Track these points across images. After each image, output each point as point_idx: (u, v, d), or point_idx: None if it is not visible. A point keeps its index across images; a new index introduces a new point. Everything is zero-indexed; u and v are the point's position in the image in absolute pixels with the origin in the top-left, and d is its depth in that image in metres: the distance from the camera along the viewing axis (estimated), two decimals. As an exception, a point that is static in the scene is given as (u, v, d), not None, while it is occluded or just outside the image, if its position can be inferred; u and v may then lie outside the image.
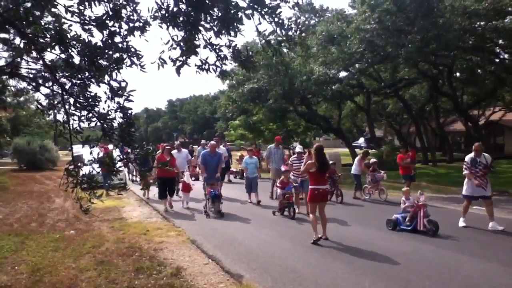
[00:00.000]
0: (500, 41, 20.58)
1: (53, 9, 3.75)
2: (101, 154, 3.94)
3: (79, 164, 3.96)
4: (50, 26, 3.64)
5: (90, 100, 3.63)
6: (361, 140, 50.56)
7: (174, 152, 14.75)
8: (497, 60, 22.42)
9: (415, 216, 8.88)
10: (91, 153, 3.72)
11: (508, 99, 29.85)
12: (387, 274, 6.32)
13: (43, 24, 3.62)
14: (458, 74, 26.28)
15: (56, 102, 4.09)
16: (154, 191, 13.44)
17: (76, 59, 3.70)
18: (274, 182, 13.91)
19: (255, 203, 13.41)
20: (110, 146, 4.25)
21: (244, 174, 14.28)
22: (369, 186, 14.30)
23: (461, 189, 9.78)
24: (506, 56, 22.52)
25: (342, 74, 25.27)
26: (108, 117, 3.69)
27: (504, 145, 36.20)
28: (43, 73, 4.24)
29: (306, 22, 31.03)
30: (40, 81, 4.16)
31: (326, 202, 8.81)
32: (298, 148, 12.65)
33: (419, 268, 6.56)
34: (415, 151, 16.04)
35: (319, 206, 8.54)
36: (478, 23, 18.61)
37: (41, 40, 3.58)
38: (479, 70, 24.04)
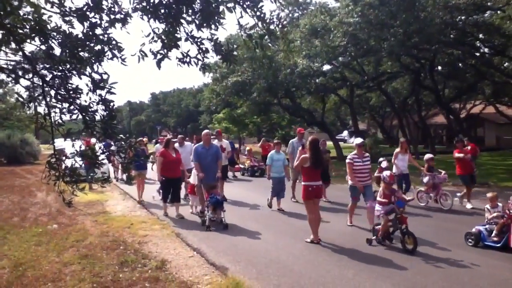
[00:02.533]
0: (480, 35, 20.92)
1: None
2: (83, 147, 3.92)
3: (61, 157, 3.93)
4: (29, 17, 3.59)
5: (72, 92, 3.59)
6: (345, 133, 50.91)
7: (176, 146, 12.39)
8: (477, 54, 22.78)
9: (506, 229, 7.04)
10: (73, 146, 3.70)
11: (488, 92, 30.38)
12: (370, 266, 6.44)
13: (21, 14, 3.56)
14: (439, 67, 26.67)
15: (36, 95, 4.04)
16: (150, 193, 12.79)
17: (57, 51, 3.66)
18: (295, 183, 12.10)
19: (276, 209, 10.94)
20: (93, 140, 4.22)
21: (268, 173, 11.46)
22: (426, 190, 11.16)
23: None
24: (486, 50, 22.91)
25: (326, 67, 25.44)
26: (90, 110, 3.66)
27: (485, 137, 36.85)
28: (23, 65, 4.18)
29: (290, 15, 31.04)
30: (20, 73, 4.10)
31: (320, 200, 8.41)
32: (358, 140, 9.30)
33: (402, 260, 6.69)
34: (474, 145, 13.27)
35: (314, 203, 8.01)
36: (459, 17, 18.86)
37: (20, 31, 3.53)
38: (460, 64, 24.43)
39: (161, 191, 11.38)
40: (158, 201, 11.91)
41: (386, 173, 7.72)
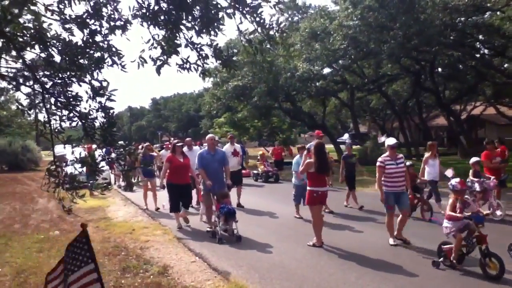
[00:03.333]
0: (480, 37, 20.92)
1: (32, 7, 3.71)
2: (84, 154, 3.93)
3: (62, 164, 3.94)
4: (30, 25, 3.61)
5: (71, 99, 3.60)
6: (346, 136, 50.79)
7: (184, 150, 11.34)
8: (477, 55, 22.78)
9: None
10: (72, 152, 3.71)
11: (489, 93, 30.35)
12: (374, 269, 6.42)
13: (22, 22, 3.58)
14: (440, 69, 26.66)
15: (37, 102, 4.05)
16: (160, 202, 12.17)
17: (57, 58, 3.67)
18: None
19: (298, 217, 10.37)
20: (94, 146, 4.23)
21: (294, 180, 10.47)
22: (477, 198, 9.49)
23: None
24: (486, 51, 22.91)
25: (326, 70, 25.46)
26: (89, 117, 3.66)
27: (485, 138, 36.78)
28: (23, 72, 4.20)
29: (290, 19, 31.09)
30: (21, 80, 4.11)
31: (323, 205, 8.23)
32: (391, 140, 8.07)
33: (406, 263, 6.67)
34: (505, 147, 11.97)
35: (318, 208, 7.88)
36: (458, 18, 18.88)
37: (20, 39, 3.55)
38: (460, 66, 24.42)
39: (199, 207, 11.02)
40: (167, 210, 11.12)
41: (455, 180, 6.43)
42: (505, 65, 24.56)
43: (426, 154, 10.56)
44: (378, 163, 7.82)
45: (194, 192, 11.01)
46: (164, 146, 19.76)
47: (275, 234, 8.86)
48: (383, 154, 7.98)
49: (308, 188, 7.78)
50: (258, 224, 9.90)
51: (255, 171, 19.80)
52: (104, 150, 4.00)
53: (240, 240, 8.19)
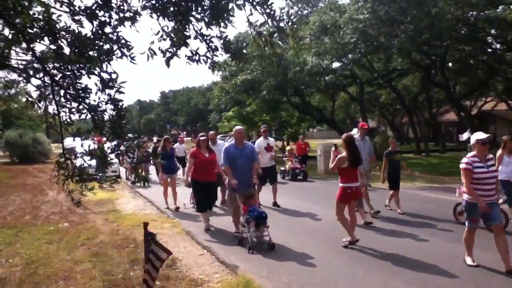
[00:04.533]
0: (492, 31, 20.67)
1: (42, -1, 3.70)
2: (94, 146, 3.94)
3: (71, 156, 3.96)
4: (39, 17, 3.60)
5: (81, 91, 3.60)
6: (355, 131, 50.51)
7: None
8: (489, 50, 22.51)
9: None
10: (82, 145, 3.71)
11: (500, 89, 30.02)
12: (382, 264, 6.39)
13: (31, 14, 3.57)
14: (450, 64, 26.41)
15: (47, 94, 4.06)
16: (180, 200, 11.38)
17: (66, 50, 3.67)
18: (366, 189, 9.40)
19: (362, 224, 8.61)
20: (104, 138, 4.23)
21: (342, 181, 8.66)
22: None
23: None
24: (498, 46, 22.63)
25: (335, 64, 25.34)
26: (98, 109, 3.66)
27: (496, 134, 36.45)
28: (33, 64, 4.20)
29: (299, 13, 30.93)
30: (31, 72, 4.12)
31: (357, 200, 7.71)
32: (480, 134, 6.11)
33: (414, 258, 6.62)
34: None
35: (349, 206, 7.49)
36: (470, 12, 18.65)
37: (30, 31, 3.55)
38: (471, 60, 24.16)
39: (193, 199, 10.79)
40: (189, 209, 11.02)
41: None
42: (518, 60, 24.24)
43: (499, 151, 8.69)
44: (464, 165, 6.00)
45: (219, 190, 10.18)
46: (179, 139, 19.18)
47: (282, 227, 8.78)
48: (470, 153, 6.21)
49: (341, 184, 7.38)
50: (289, 226, 9.15)
51: (282, 168, 17.84)
52: (114, 142, 4.00)
53: (273, 249, 7.16)
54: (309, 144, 22.68)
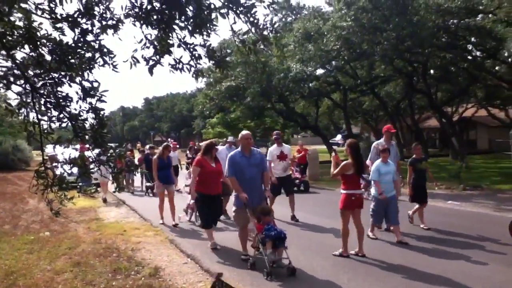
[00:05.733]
0: (473, 39, 21.05)
1: (23, 5, 3.65)
2: (77, 154, 3.89)
3: (53, 164, 3.90)
4: (20, 24, 3.55)
5: (61, 100, 3.55)
6: (339, 137, 50.97)
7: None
8: (469, 57, 22.93)
9: None
10: (62, 154, 3.66)
11: (481, 95, 30.57)
12: (367, 270, 6.42)
13: (12, 21, 3.52)
14: (432, 71, 26.80)
15: (28, 101, 4.00)
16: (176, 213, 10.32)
17: (47, 58, 3.62)
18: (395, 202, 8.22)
19: (397, 243, 7.77)
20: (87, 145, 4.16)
21: (373, 191, 8.29)
22: None
23: (436, 184, 8.95)
24: (478, 53, 23.07)
25: (319, 71, 25.51)
26: (79, 118, 3.61)
27: (477, 140, 37.07)
28: (14, 71, 4.13)
29: (283, 20, 31.11)
30: (11, 79, 4.05)
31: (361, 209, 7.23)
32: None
33: (399, 264, 6.66)
34: None
35: (354, 215, 7.11)
36: (451, 21, 18.98)
37: (10, 38, 3.49)
38: (452, 68, 24.56)
39: (189, 211, 10.18)
40: (185, 223, 10.17)
41: None
42: (497, 68, 24.73)
43: None
44: None
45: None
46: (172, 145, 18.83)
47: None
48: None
49: (343, 191, 7.08)
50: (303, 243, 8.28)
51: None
52: (95, 151, 3.95)
53: (294, 274, 6.19)
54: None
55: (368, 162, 8.69)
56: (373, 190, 8.31)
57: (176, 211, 10.30)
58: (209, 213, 7.96)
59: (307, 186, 15.46)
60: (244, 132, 7.42)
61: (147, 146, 19.26)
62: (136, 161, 16.74)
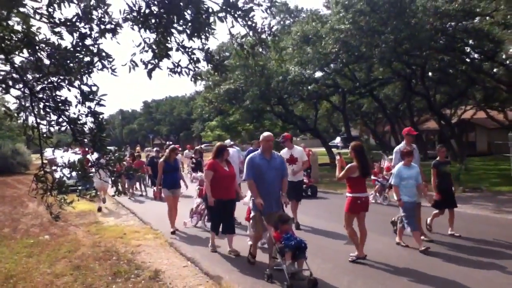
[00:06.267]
0: (470, 41, 21.10)
1: (21, 9, 3.67)
2: (78, 157, 3.90)
3: (53, 167, 3.91)
4: (18, 28, 3.56)
5: (60, 104, 3.56)
6: (338, 140, 51.05)
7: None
8: (467, 60, 22.97)
9: None
10: (61, 157, 3.67)
11: (479, 97, 30.62)
12: (369, 273, 6.42)
13: (10, 25, 3.53)
14: (430, 73, 26.84)
15: (27, 105, 4.01)
16: (180, 219, 9.94)
17: (46, 62, 3.63)
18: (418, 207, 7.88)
19: (421, 249, 7.26)
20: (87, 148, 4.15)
21: (398, 198, 7.64)
22: None
23: (456, 190, 8.23)
24: (476, 56, 23.11)
25: (318, 74, 25.52)
26: (78, 122, 3.62)
27: (476, 142, 37.09)
28: (12, 75, 4.15)
29: (281, 23, 31.18)
30: (10, 83, 4.07)
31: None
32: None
33: (398, 267, 6.67)
34: None
35: (358, 217, 6.99)
36: (448, 23, 19.03)
37: (8, 43, 3.50)
38: (450, 70, 24.61)
39: (196, 217, 9.91)
40: (189, 228, 9.83)
41: None
42: (495, 70, 24.79)
43: None
44: None
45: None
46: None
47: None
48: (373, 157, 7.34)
49: (349, 195, 6.95)
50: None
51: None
52: (94, 155, 3.97)
53: (316, 287, 5.79)
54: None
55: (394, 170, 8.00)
56: (403, 195, 7.66)
57: (179, 216, 9.95)
58: (220, 219, 7.63)
59: (315, 191, 14.70)
60: (266, 133, 7.02)
61: (154, 149, 19.18)
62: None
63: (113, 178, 3.84)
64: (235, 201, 7.94)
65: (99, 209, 12.95)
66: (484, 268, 6.38)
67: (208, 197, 7.63)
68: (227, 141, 11.55)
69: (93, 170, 3.81)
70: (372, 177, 13.05)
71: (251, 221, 6.93)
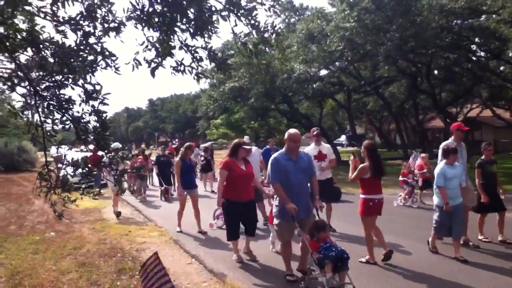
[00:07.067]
0: (476, 39, 21.00)
1: (26, 7, 3.69)
2: (86, 155, 3.93)
3: (58, 165, 3.94)
4: (22, 27, 3.60)
5: (64, 102, 3.60)
6: (343, 138, 50.99)
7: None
8: (473, 58, 22.86)
9: None
10: (65, 156, 3.71)
11: (485, 96, 30.46)
12: (365, 273, 6.42)
13: (15, 24, 3.57)
14: (436, 71, 26.72)
15: (32, 103, 4.05)
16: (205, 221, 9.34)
17: (50, 61, 3.66)
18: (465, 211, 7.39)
19: (459, 258, 6.72)
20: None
21: (436, 200, 7.09)
22: None
23: (503, 193, 7.94)
24: (482, 54, 22.99)
25: (323, 72, 25.50)
26: (82, 121, 3.65)
27: (482, 141, 36.92)
28: (18, 73, 4.19)
29: (286, 21, 31.14)
30: (15, 81, 4.10)
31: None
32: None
33: (397, 266, 6.66)
34: None
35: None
36: (454, 21, 18.96)
37: (13, 41, 3.54)
38: (456, 68, 24.49)
39: (221, 217, 8.76)
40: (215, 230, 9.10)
41: None
42: (501, 68, 24.65)
43: None
44: None
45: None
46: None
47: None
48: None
49: (362, 196, 6.67)
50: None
51: None
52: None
53: None
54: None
55: None
56: (436, 199, 7.10)
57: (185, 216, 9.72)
58: (237, 223, 7.06)
59: (338, 195, 12.90)
60: (293, 130, 6.15)
61: (160, 147, 18.75)
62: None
63: (116, 177, 3.86)
64: (255, 201, 7.41)
65: (118, 214, 11.47)
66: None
67: (217, 198, 7.12)
68: (246, 138, 11.17)
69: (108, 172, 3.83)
70: (400, 178, 12.49)
71: (275, 227, 6.23)
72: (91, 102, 3.68)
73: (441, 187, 6.90)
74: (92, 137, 3.69)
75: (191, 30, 3.86)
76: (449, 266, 6.52)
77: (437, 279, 5.97)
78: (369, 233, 6.70)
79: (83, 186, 3.76)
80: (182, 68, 4.11)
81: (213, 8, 3.80)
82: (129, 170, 4.45)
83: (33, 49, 3.53)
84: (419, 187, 12.42)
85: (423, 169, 12.27)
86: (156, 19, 3.87)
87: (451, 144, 7.44)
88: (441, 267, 6.43)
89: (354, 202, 9.84)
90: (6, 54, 4.01)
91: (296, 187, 5.86)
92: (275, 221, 6.11)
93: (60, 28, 3.68)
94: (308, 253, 5.54)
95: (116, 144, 7.85)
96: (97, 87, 3.67)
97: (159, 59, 4.06)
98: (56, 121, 3.64)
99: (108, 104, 3.69)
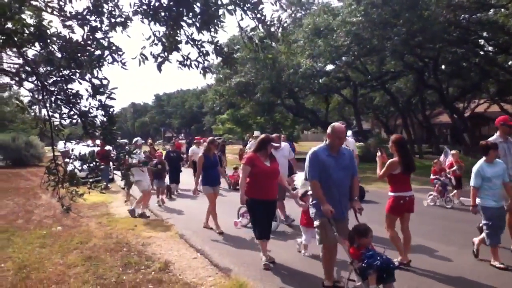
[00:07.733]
0: (484, 34, 20.83)
1: (33, 3, 3.70)
2: (94, 149, 3.94)
3: (65, 159, 3.96)
4: (30, 22, 3.62)
5: (71, 97, 3.62)
6: (349, 133, 50.63)
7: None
8: (481, 52, 22.68)
9: None
10: (72, 150, 3.73)
11: (493, 91, 30.23)
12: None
13: (22, 19, 3.58)
14: (443, 66, 26.55)
15: (40, 98, 4.07)
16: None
17: (58, 55, 3.68)
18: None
19: (499, 266, 6.09)
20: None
21: (475, 200, 6.35)
22: None
23: None
24: (490, 48, 22.81)
25: (329, 67, 25.44)
26: (89, 115, 3.67)
27: (489, 136, 36.66)
28: (25, 68, 4.21)
29: (293, 15, 31.03)
30: (23, 76, 4.12)
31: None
32: None
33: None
34: None
35: (402, 220, 6.32)
36: (462, 15, 18.81)
37: (20, 36, 3.55)
38: (464, 63, 24.33)
39: (246, 215, 8.52)
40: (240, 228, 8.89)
41: None
42: (509, 63, 24.44)
43: None
44: None
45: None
46: (195, 141, 16.45)
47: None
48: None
49: (391, 194, 6.24)
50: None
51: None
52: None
53: None
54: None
55: None
56: (478, 200, 6.34)
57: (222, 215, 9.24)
58: (263, 221, 6.61)
59: (362, 193, 11.92)
60: (337, 124, 5.52)
61: (170, 142, 18.45)
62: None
63: (122, 171, 3.87)
64: (275, 202, 6.99)
65: (143, 215, 10.72)
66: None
67: (240, 195, 6.68)
68: (257, 132, 10.91)
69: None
70: (431, 176, 11.93)
71: (316, 229, 5.46)
72: (98, 97, 3.70)
73: (473, 187, 6.31)
74: (99, 132, 3.71)
75: (197, 25, 3.86)
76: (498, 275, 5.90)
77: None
78: (393, 231, 6.26)
79: (91, 180, 3.77)
80: (188, 63, 4.11)
81: (219, 2, 3.80)
82: (148, 166, 4.44)
83: (41, 44, 3.55)
84: (453, 186, 11.78)
85: (453, 166, 11.79)
86: (163, 14, 3.87)
87: (496, 140, 6.80)
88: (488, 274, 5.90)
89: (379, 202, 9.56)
90: (14, 49, 4.02)
91: (337, 186, 5.32)
92: (317, 222, 5.42)
93: (67, 23, 3.70)
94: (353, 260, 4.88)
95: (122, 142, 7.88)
96: (104, 82, 3.69)
97: (166, 53, 4.06)
98: (64, 115, 3.66)
99: (115, 99, 3.71)
